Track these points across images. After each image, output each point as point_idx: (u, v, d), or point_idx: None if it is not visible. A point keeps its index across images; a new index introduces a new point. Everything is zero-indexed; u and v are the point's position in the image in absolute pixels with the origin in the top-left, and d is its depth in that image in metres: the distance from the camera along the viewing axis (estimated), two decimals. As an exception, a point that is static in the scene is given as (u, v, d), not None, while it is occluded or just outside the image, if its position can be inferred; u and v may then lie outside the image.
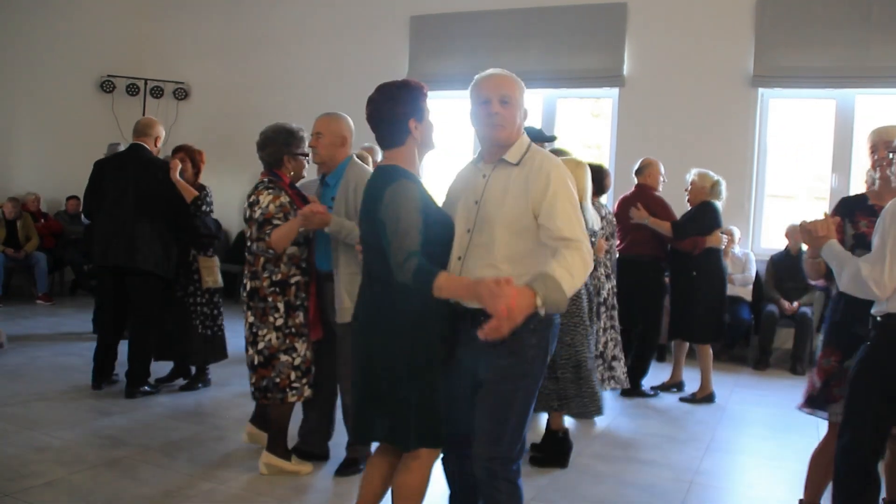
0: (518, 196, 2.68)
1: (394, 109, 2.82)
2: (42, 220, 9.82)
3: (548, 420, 4.62)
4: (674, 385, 6.47)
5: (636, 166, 6.55)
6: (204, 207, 5.68)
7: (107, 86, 10.90)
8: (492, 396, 2.71)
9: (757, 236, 8.52)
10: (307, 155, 4.28)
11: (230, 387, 5.95)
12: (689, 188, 6.30)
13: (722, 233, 6.22)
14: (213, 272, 5.66)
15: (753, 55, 8.25)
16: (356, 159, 4.13)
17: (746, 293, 7.97)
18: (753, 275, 7.99)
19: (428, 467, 2.89)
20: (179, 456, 4.40)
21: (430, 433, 2.82)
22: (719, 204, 6.22)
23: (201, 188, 5.75)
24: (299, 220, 3.92)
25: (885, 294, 2.97)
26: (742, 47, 8.30)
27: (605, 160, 8.87)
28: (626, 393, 6.24)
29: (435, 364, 2.80)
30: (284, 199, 4.05)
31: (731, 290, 7.75)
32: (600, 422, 5.45)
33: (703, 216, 6.14)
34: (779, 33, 8.18)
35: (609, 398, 6.12)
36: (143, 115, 10.88)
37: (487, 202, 2.74)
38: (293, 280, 4.07)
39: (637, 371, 6.31)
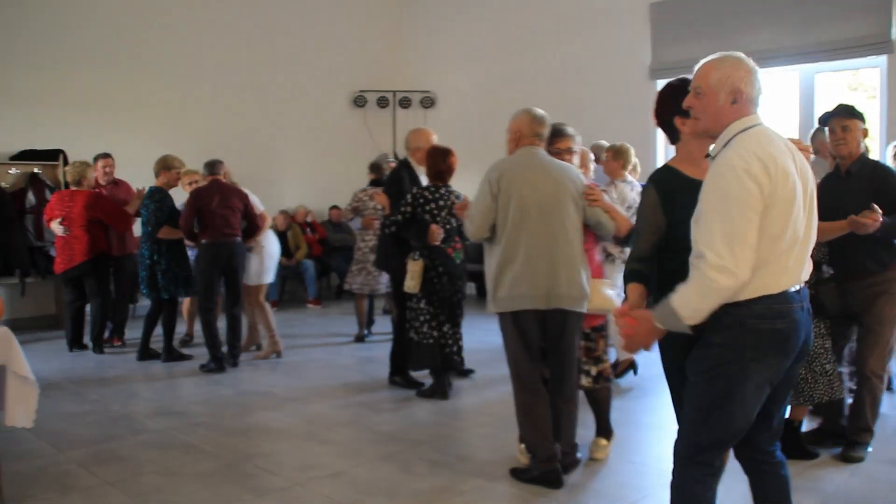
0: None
1: (661, 111, 2.96)
2: (309, 231, 10.64)
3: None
4: None
5: None
6: (404, 210, 5.44)
7: (359, 100, 11.63)
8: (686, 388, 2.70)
9: None
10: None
11: (497, 385, 6.07)
12: None
13: None
14: (409, 276, 5.49)
15: None
16: (524, 150, 4.07)
17: None
18: None
19: None
20: (449, 452, 4.57)
21: None
22: None
23: (436, 188, 5.51)
24: None
25: None
26: None
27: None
28: None
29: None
30: None
31: None
32: (891, 422, 4.94)
33: None
34: None
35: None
36: (393, 126, 11.55)
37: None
38: None
39: None
